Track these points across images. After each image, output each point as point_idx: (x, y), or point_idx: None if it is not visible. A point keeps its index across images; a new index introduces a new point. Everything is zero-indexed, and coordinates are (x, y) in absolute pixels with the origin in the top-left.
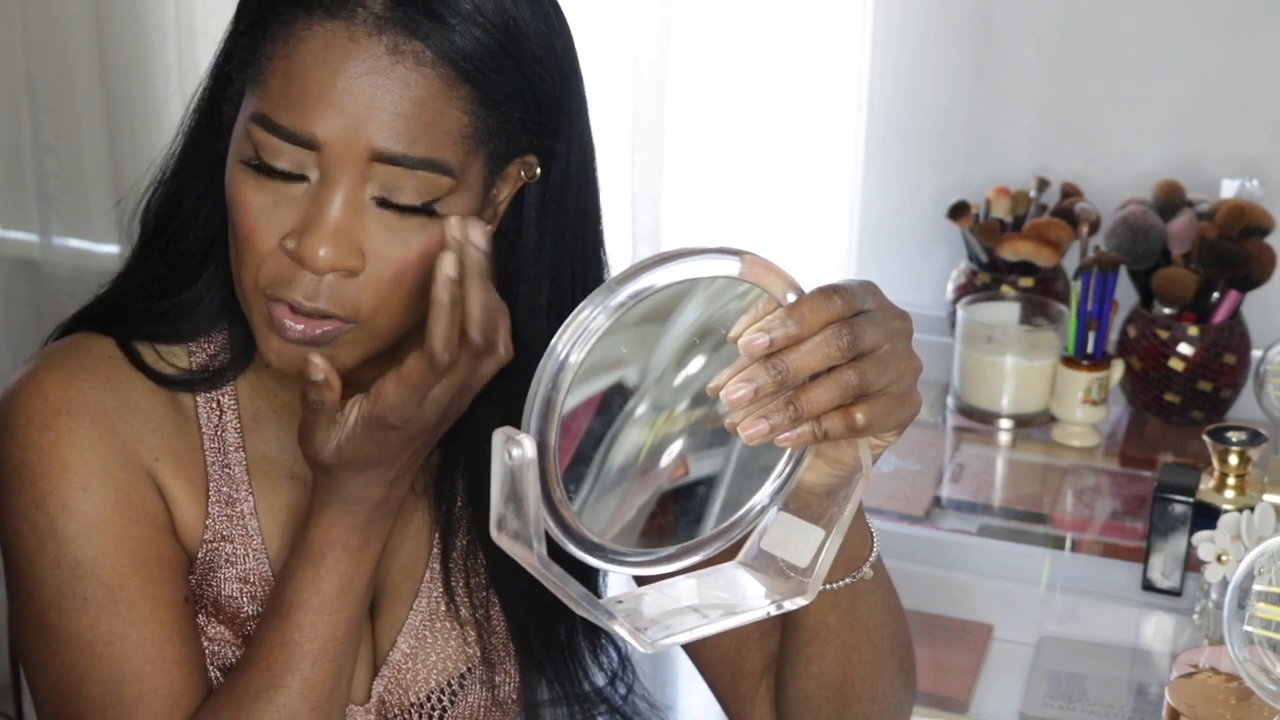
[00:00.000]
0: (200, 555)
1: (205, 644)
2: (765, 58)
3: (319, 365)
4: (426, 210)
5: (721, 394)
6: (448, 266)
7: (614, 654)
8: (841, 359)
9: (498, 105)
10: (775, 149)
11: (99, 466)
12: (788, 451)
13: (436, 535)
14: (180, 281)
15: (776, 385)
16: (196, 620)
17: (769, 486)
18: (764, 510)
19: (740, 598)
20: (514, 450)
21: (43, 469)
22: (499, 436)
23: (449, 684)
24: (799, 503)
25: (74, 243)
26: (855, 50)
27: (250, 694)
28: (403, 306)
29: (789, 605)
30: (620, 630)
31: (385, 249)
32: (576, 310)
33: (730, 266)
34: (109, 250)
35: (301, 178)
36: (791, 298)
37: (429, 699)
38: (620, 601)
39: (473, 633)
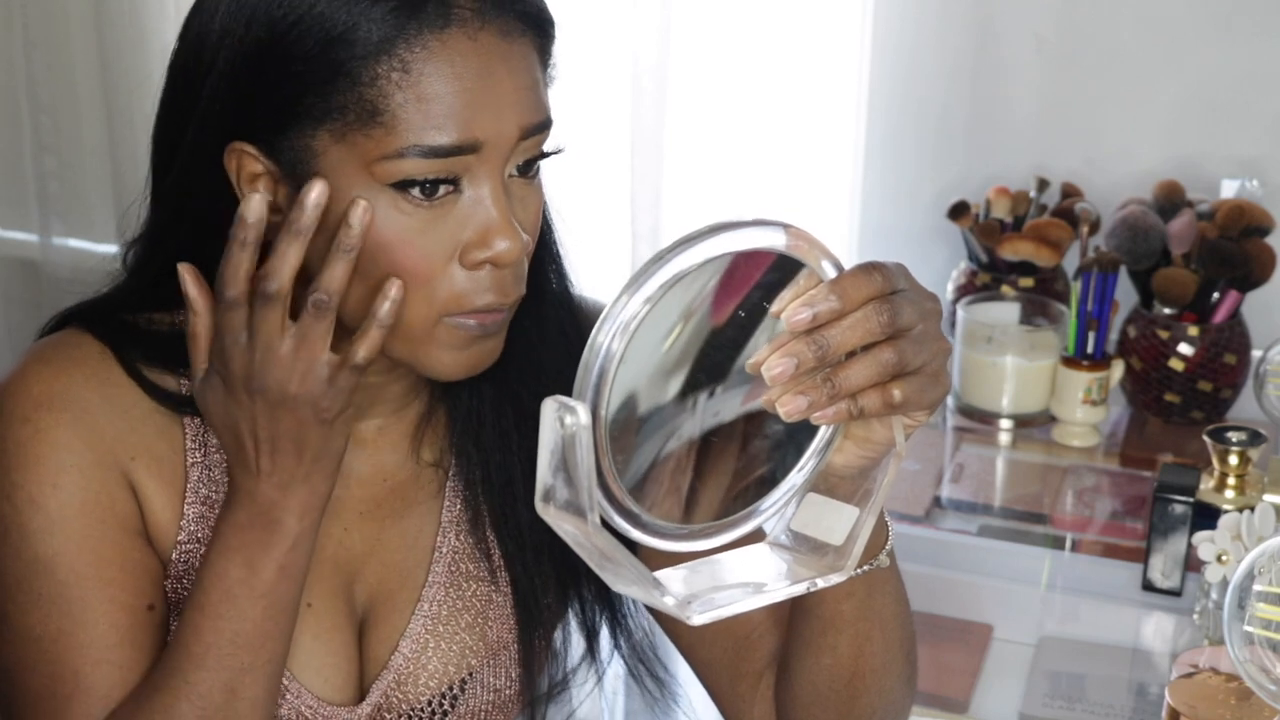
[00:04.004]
0: (175, 556)
1: None
2: (765, 58)
3: (188, 276)
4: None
5: (763, 369)
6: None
7: (634, 626)
8: (881, 335)
9: (550, 57)
10: (775, 149)
11: (71, 464)
12: (822, 430)
13: (441, 541)
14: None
15: (817, 360)
16: (162, 628)
17: (803, 466)
18: (796, 490)
19: (772, 576)
20: (567, 418)
21: (17, 461)
22: (550, 404)
23: (451, 688)
24: (826, 484)
25: (74, 243)
26: (855, 50)
27: (145, 691)
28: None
29: (822, 582)
30: (669, 601)
31: (524, 217)
32: (621, 290)
33: (776, 238)
34: (109, 250)
35: (453, 189)
36: (830, 272)
37: (431, 702)
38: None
39: (480, 631)
